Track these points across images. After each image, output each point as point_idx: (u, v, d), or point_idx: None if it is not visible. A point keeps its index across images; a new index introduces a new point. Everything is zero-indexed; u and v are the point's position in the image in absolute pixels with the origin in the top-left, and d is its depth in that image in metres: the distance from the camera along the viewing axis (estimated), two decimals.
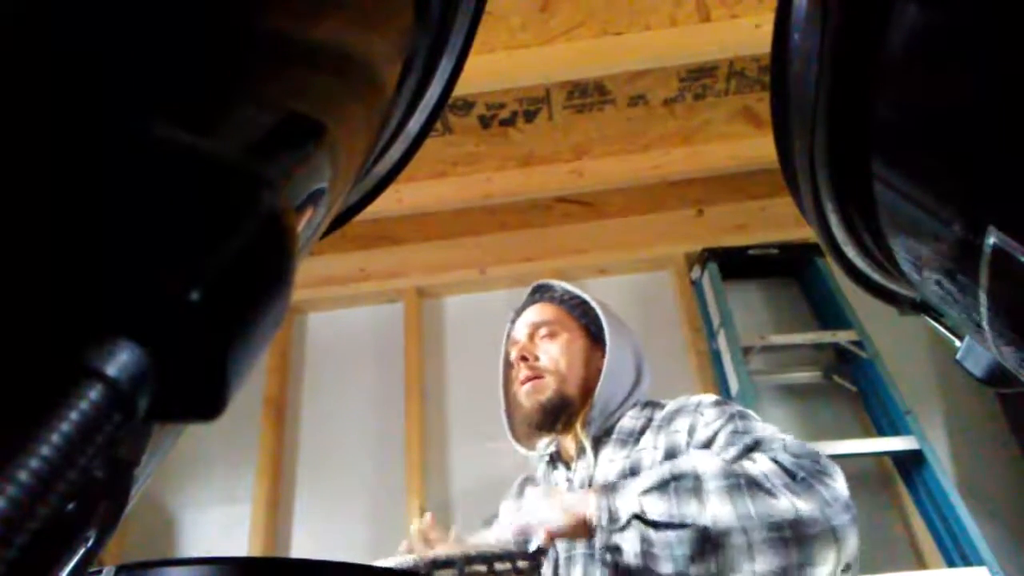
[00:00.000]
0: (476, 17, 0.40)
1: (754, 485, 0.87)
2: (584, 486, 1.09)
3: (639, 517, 0.87)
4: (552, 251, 2.61)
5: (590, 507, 0.91)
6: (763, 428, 1.01)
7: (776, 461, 0.91)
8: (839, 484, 0.89)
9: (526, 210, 2.55)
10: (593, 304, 1.25)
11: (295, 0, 0.22)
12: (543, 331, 1.23)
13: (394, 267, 2.62)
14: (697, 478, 0.89)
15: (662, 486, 0.89)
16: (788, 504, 0.85)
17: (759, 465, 0.90)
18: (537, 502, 0.92)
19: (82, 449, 0.14)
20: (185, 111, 0.18)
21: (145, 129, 0.16)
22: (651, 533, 0.86)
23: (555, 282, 1.34)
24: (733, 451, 0.96)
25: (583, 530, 0.90)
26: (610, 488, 0.93)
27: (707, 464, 0.91)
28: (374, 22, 0.29)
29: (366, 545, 2.12)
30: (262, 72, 0.21)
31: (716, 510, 0.85)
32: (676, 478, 0.90)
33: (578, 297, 1.28)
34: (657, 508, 0.87)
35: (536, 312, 1.28)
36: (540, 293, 1.34)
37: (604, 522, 0.88)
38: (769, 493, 0.86)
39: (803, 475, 0.88)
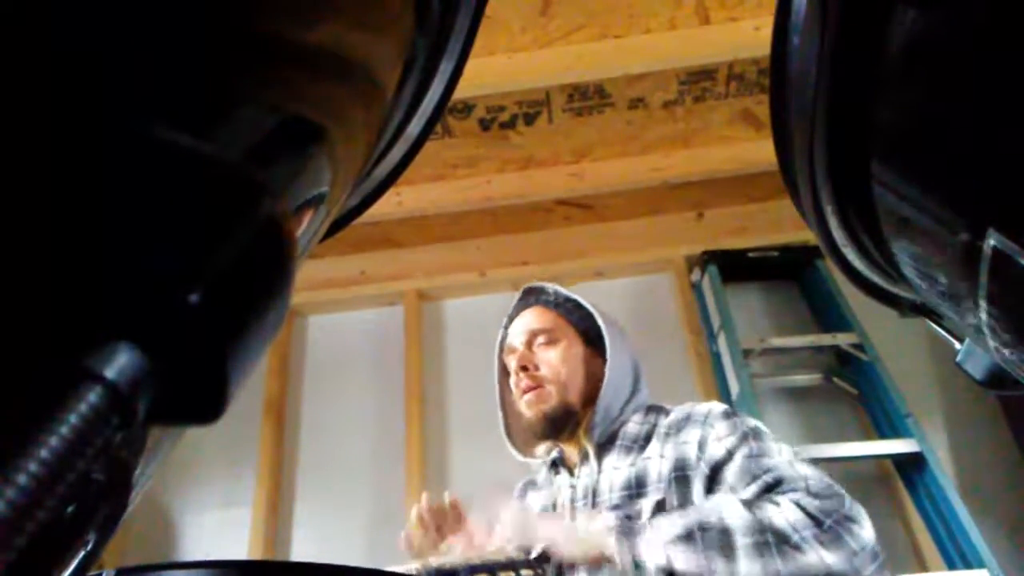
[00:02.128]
0: (476, 20, 0.40)
1: (783, 541, 0.86)
2: (587, 493, 1.08)
3: (665, 569, 0.87)
4: (552, 254, 2.61)
5: (609, 546, 0.90)
6: (779, 452, 0.99)
7: (801, 507, 0.89)
8: (866, 531, 0.87)
9: (526, 213, 2.55)
10: (589, 308, 1.21)
11: (296, 3, 0.22)
12: (541, 339, 1.19)
13: (394, 270, 2.63)
14: (725, 532, 0.88)
15: (688, 537, 0.88)
16: (817, 559, 0.84)
17: (784, 513, 0.88)
18: (550, 522, 0.91)
19: (81, 452, 0.14)
20: (185, 114, 0.18)
21: (145, 132, 0.16)
22: None
23: (547, 285, 1.29)
24: (754, 488, 0.94)
25: (598, 563, 0.90)
26: (630, 531, 0.91)
27: (734, 516, 0.89)
28: (374, 25, 0.29)
29: (366, 548, 2.11)
30: (262, 75, 0.21)
31: (745, 569, 0.85)
32: (703, 529, 0.88)
33: (573, 300, 1.24)
34: (685, 562, 0.86)
35: (531, 318, 1.23)
36: (533, 296, 1.28)
37: (629, 572, 0.88)
38: (797, 548, 0.85)
39: (830, 523, 0.87)
